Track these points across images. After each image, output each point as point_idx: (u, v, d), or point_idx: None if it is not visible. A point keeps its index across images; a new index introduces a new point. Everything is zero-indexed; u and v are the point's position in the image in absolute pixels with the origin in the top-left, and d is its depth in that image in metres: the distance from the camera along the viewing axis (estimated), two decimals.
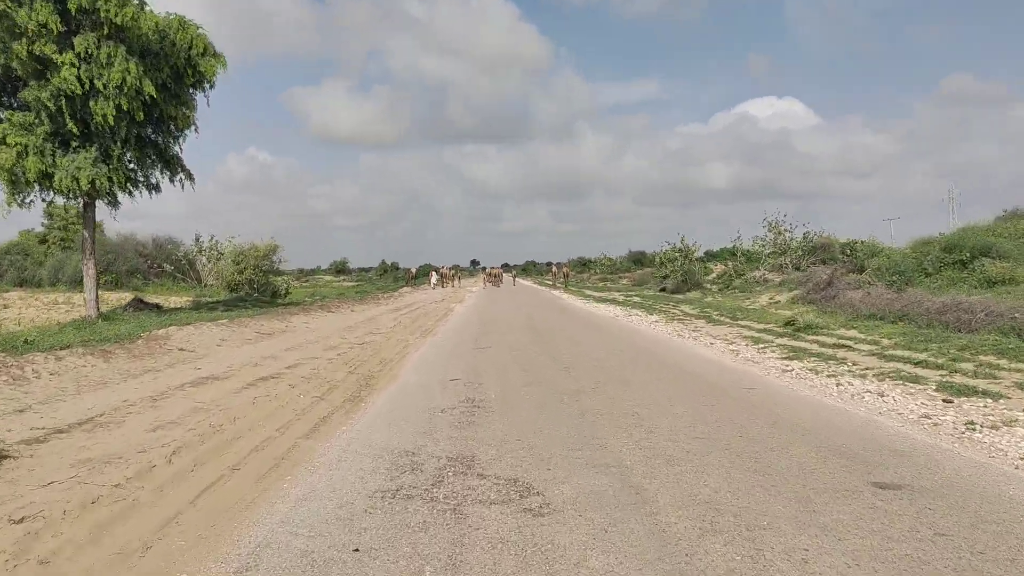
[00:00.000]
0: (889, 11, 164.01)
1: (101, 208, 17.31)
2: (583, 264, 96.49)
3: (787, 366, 10.78)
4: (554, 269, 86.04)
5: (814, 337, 14.35)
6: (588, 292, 42.60)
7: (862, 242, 24.18)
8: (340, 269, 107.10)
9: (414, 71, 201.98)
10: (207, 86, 17.81)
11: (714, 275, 40.52)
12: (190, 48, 16.99)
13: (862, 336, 14.03)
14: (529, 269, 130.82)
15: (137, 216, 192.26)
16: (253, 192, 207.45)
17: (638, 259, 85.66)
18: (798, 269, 36.61)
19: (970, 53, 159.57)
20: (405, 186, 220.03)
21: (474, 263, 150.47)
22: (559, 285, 62.28)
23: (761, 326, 16.93)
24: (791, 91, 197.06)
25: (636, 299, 31.86)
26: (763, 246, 39.43)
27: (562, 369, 10.89)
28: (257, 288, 32.86)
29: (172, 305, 22.70)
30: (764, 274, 36.01)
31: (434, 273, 60.53)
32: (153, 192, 17.87)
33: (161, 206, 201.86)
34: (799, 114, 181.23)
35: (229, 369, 10.77)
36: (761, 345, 13.52)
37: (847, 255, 24.26)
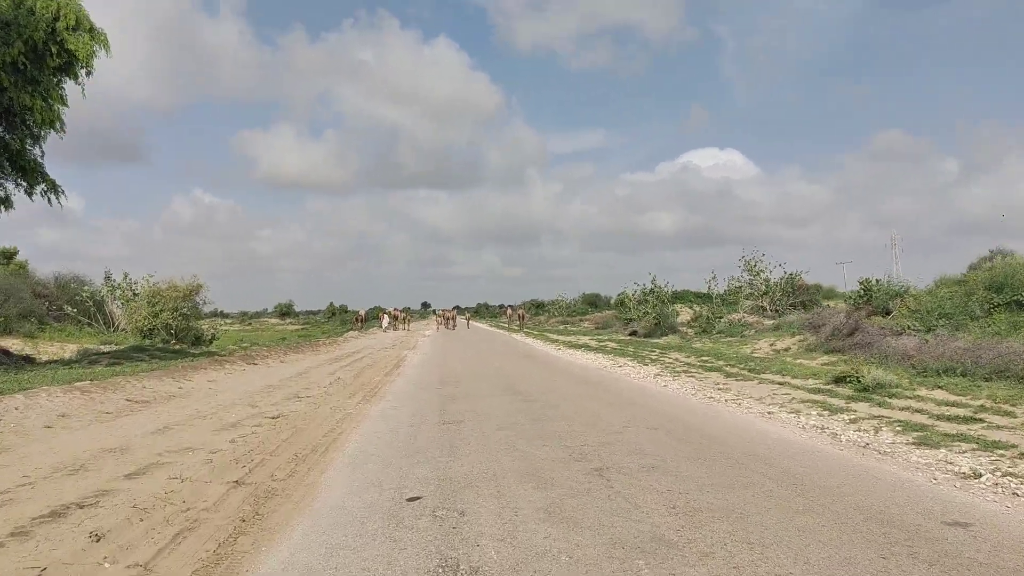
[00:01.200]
0: (819, 69, 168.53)
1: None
2: (537, 306, 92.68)
3: (946, 461, 6.63)
4: (508, 311, 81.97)
5: (901, 402, 10.32)
6: (551, 336, 38.38)
7: (876, 281, 20.58)
8: (285, 312, 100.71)
9: (364, 116, 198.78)
10: (82, 71, 13.18)
11: (687, 318, 36.85)
12: (55, 19, 12.42)
13: (970, 401, 10.07)
14: (481, 311, 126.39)
15: (70, 257, 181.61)
16: (198, 235, 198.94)
17: (592, 302, 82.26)
18: (777, 312, 33.25)
19: (899, 109, 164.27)
20: (353, 230, 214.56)
21: (425, 305, 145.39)
22: (515, 328, 58.03)
23: (804, 383, 12.88)
24: (732, 143, 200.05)
25: (611, 344, 27.75)
26: (739, 287, 36.08)
27: (592, 473, 6.49)
28: (176, 334, 27.65)
29: (49, 356, 17.58)
30: (743, 317, 32.48)
31: (385, 316, 55.60)
32: (2, 207, 13.01)
33: (101, 248, 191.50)
34: (740, 164, 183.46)
35: (6, 492, 6.04)
36: (846, 417, 9.38)
37: (863, 296, 20.59)
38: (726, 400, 11.35)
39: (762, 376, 14.70)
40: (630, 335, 35.89)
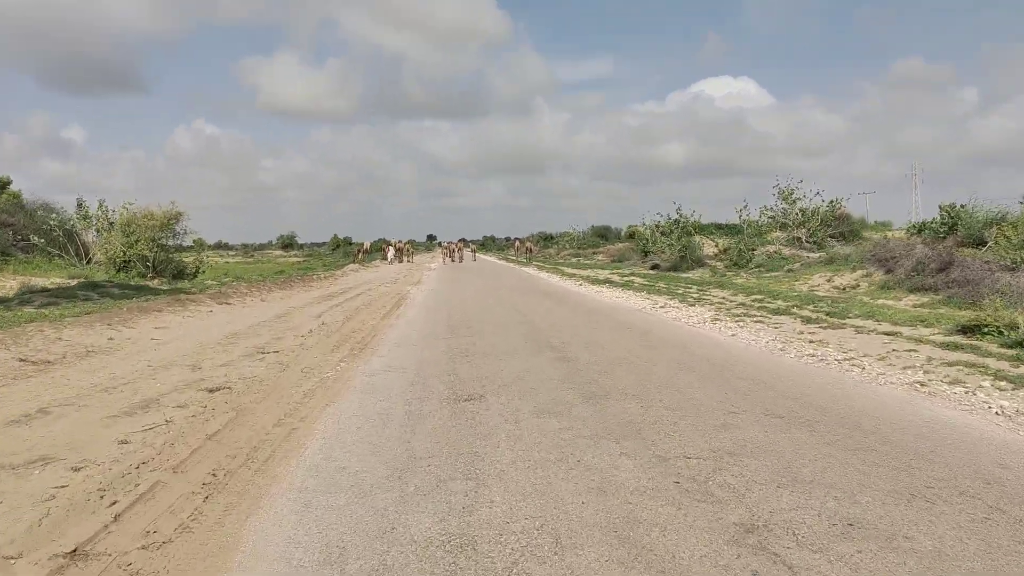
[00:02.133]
0: None
1: None
2: (545, 239, 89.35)
3: None
4: (517, 244, 78.68)
5: None
6: (567, 270, 35.21)
7: (962, 207, 17.19)
8: (287, 244, 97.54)
9: (368, 43, 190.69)
10: None
11: (711, 251, 33.54)
12: None
13: None
14: (488, 244, 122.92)
15: (75, 189, 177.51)
16: (202, 165, 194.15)
17: (603, 234, 78.79)
18: (817, 244, 29.99)
19: (918, 36, 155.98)
20: (358, 161, 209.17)
21: (431, 238, 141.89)
22: (523, 261, 54.85)
23: (920, 334, 9.74)
24: (746, 71, 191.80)
25: (637, 280, 24.58)
26: (773, 217, 32.66)
27: (742, 542, 3.39)
28: (154, 266, 24.59)
29: None
30: (779, 249, 29.22)
31: (390, 248, 52.36)
32: None
33: (110, 180, 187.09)
34: (753, 94, 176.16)
35: None
36: None
37: (945, 225, 17.25)
38: (839, 361, 8.23)
39: (850, 322, 11.59)
40: (652, 268, 32.71)
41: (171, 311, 12.59)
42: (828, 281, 19.18)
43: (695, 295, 17.76)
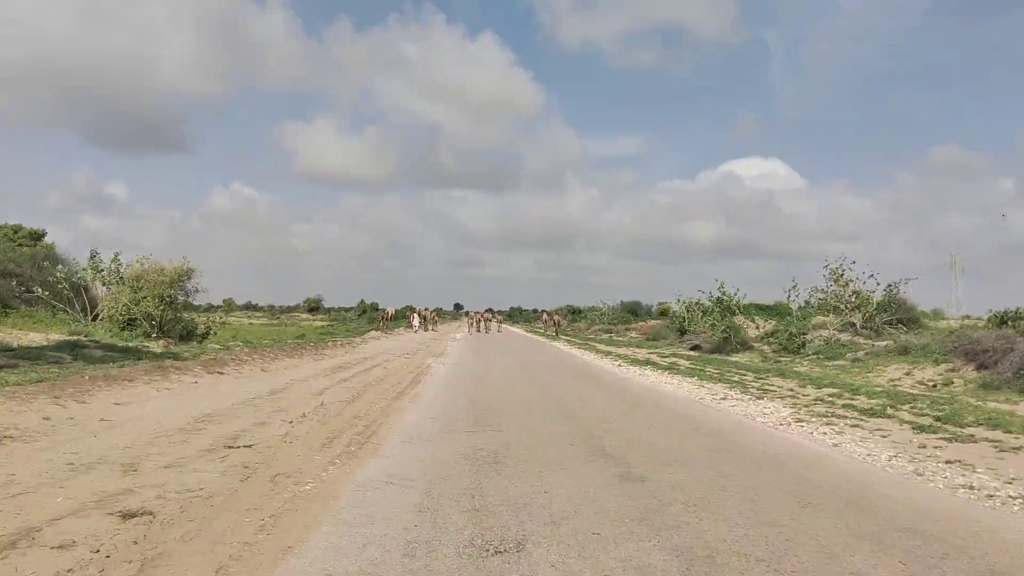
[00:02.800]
0: (871, 80, 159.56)
1: None
2: (573, 312, 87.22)
3: None
4: (545, 317, 76.55)
5: None
6: (599, 347, 32.83)
7: None
8: (314, 307, 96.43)
9: (405, 112, 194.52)
10: None
11: (756, 332, 31.04)
12: None
13: None
14: (515, 315, 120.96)
15: (112, 244, 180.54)
16: (236, 226, 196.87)
17: (633, 310, 76.55)
18: (875, 331, 27.43)
19: (955, 123, 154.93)
20: (388, 228, 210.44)
21: (457, 307, 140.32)
22: (549, 334, 52.60)
23: None
24: (776, 152, 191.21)
25: (682, 362, 22.16)
26: (824, 299, 30.18)
27: None
28: (160, 326, 22.79)
29: None
30: (833, 334, 26.68)
31: (415, 315, 50.47)
32: None
33: (141, 236, 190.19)
34: (783, 175, 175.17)
35: None
36: None
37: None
38: (1014, 499, 5.81)
39: (972, 431, 9.16)
40: (692, 349, 30.24)
41: (146, 381, 10.53)
42: (907, 375, 16.64)
43: (755, 385, 15.34)
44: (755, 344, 28.52)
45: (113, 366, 11.44)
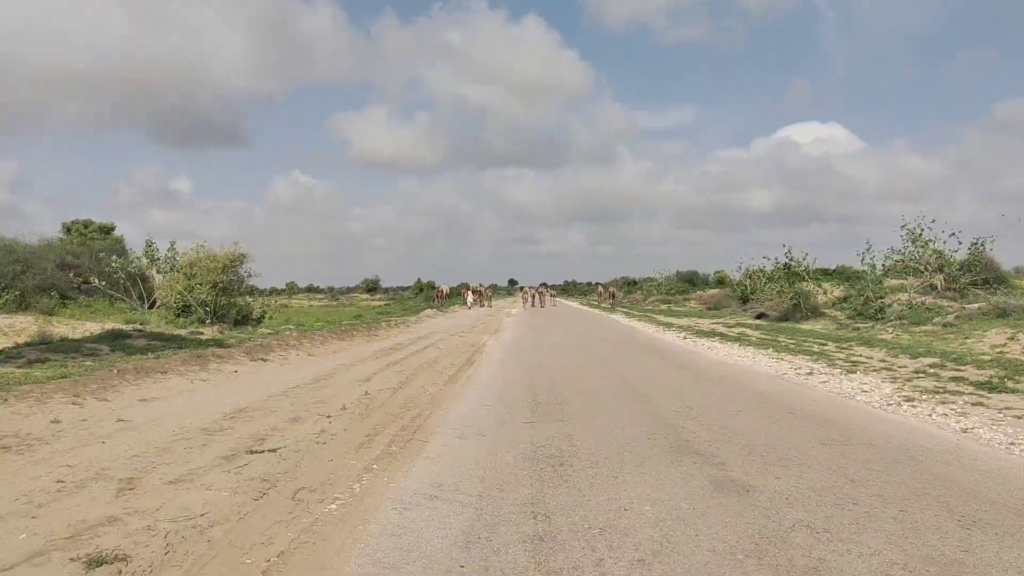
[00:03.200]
0: (931, 37, 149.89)
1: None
2: (628, 284, 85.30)
3: None
4: (600, 289, 74.95)
5: None
6: (659, 317, 31.24)
7: None
8: (372, 287, 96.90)
9: (454, 97, 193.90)
10: None
11: (825, 298, 28.92)
12: None
13: None
14: (569, 289, 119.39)
15: (180, 236, 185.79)
16: (296, 214, 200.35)
17: (690, 279, 74.18)
18: (959, 292, 25.14)
19: (1020, 77, 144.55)
20: (442, 209, 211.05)
21: (512, 282, 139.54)
22: (605, 306, 51.07)
23: None
24: (834, 116, 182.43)
25: (750, 332, 20.53)
26: (901, 260, 27.86)
27: None
28: (214, 312, 22.35)
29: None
30: (912, 298, 24.51)
31: (469, 292, 49.66)
32: None
33: (208, 228, 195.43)
34: (842, 139, 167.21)
35: None
36: None
37: None
38: None
39: None
40: (757, 318, 28.42)
41: (180, 372, 9.70)
42: (1011, 340, 14.73)
43: (840, 356, 13.73)
44: (826, 311, 26.57)
45: (150, 356, 10.69)
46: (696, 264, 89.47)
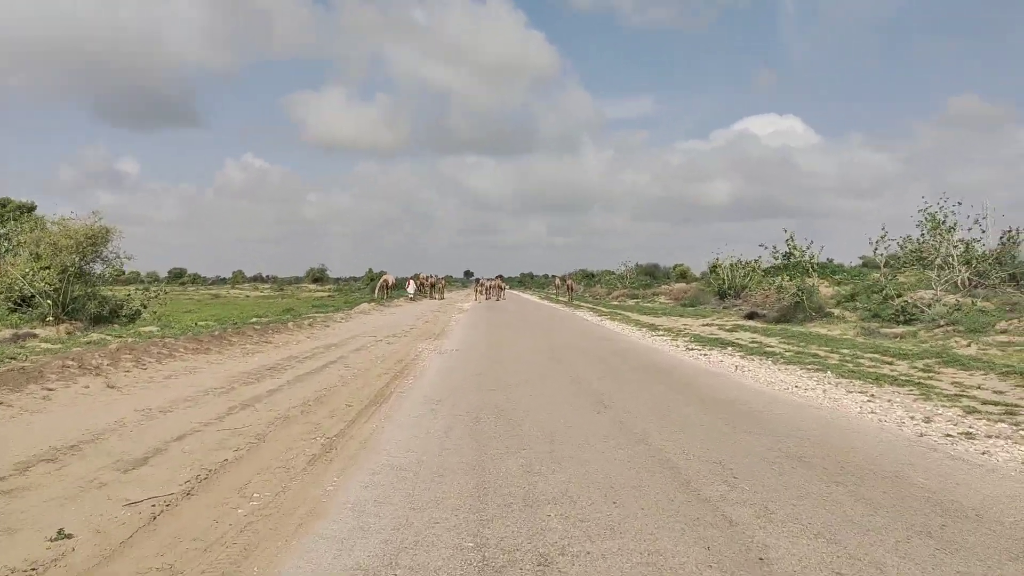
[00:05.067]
0: (891, 28, 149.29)
1: None
2: (587, 276, 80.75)
3: None
4: (557, 282, 70.06)
5: None
6: (632, 316, 26.20)
7: None
8: (318, 277, 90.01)
9: (416, 78, 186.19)
10: None
11: (829, 294, 24.32)
12: None
13: None
14: (526, 281, 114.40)
15: (125, 220, 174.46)
16: (248, 199, 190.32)
17: (651, 272, 69.93)
18: (993, 287, 20.81)
19: (974, 73, 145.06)
20: (401, 195, 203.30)
21: (468, 274, 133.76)
22: (563, 300, 46.16)
23: None
24: (792, 109, 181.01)
25: (770, 341, 15.57)
26: (918, 251, 23.41)
27: None
28: (64, 306, 16.37)
29: None
30: (937, 294, 20.03)
31: (411, 282, 43.93)
32: None
33: (156, 211, 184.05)
34: (800, 132, 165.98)
35: None
36: None
37: None
38: None
39: None
40: (748, 318, 23.64)
41: None
42: None
43: (933, 382, 8.84)
44: (833, 311, 21.94)
45: None
46: (655, 257, 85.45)
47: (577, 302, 42.38)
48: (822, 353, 12.77)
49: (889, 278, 22.88)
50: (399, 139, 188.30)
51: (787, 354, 12.72)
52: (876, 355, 12.36)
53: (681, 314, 26.51)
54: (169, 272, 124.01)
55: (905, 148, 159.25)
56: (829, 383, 9.41)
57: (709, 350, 13.73)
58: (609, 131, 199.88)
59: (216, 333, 12.46)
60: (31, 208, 62.64)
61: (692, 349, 13.92)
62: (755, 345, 14.37)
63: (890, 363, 11.42)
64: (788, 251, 23.10)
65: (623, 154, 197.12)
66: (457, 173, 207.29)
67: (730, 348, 13.98)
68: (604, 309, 32.21)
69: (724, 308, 29.44)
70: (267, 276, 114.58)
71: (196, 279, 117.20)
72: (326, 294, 62.93)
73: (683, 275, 69.62)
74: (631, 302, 38.31)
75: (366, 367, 10.88)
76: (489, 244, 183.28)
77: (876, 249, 23.76)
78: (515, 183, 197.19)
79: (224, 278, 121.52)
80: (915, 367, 10.84)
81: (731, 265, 31.41)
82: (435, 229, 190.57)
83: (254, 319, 20.15)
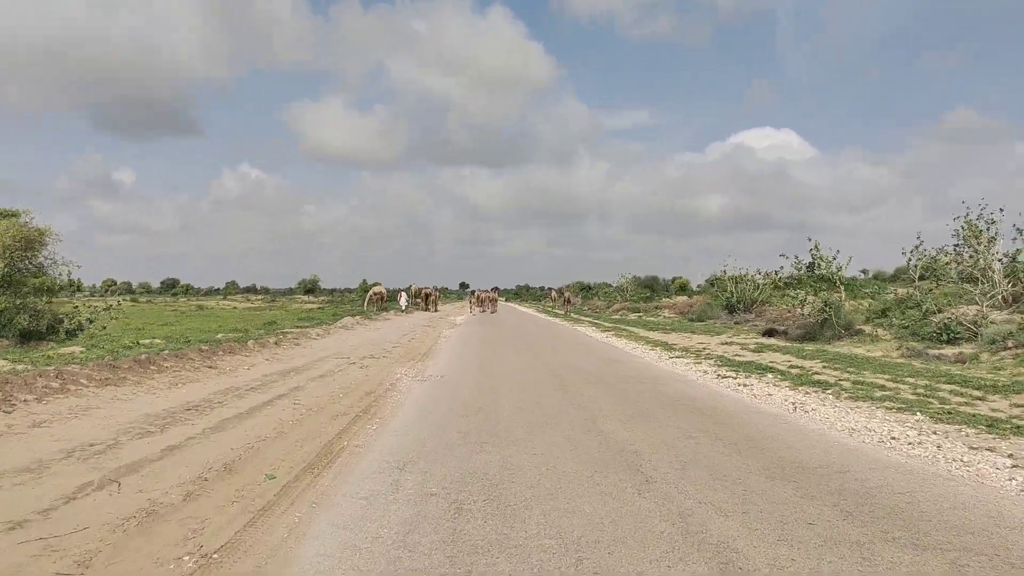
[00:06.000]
0: (889, 42, 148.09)
1: None
2: (583, 288, 78.42)
3: None
4: (554, 294, 67.79)
5: None
6: (639, 332, 23.71)
7: None
8: (309, 289, 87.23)
9: (415, 90, 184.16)
10: None
11: (863, 314, 21.83)
12: None
13: None
14: (522, 293, 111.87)
15: (121, 229, 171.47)
16: (244, 209, 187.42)
17: (650, 285, 67.65)
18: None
19: (970, 87, 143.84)
20: (397, 207, 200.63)
21: (463, 286, 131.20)
22: (560, 313, 43.76)
23: None
24: (788, 122, 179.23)
25: (822, 371, 13.08)
26: (957, 262, 21.04)
27: None
28: None
29: None
30: (982, 311, 17.65)
31: (403, 294, 41.46)
32: None
33: (151, 220, 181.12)
34: (796, 146, 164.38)
35: None
36: None
37: None
38: None
39: None
40: (766, 334, 21.21)
41: None
42: None
43: None
44: (864, 328, 19.50)
45: None
46: (650, 269, 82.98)
47: (576, 316, 39.91)
48: (885, 383, 10.31)
49: (925, 292, 20.51)
50: (396, 150, 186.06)
51: (844, 384, 10.25)
52: (954, 386, 9.91)
53: (692, 330, 24.04)
54: (162, 283, 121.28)
55: (902, 161, 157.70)
56: (931, 432, 6.95)
57: (745, 377, 11.24)
58: (606, 142, 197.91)
59: (143, 358, 9.90)
60: (13, 215, 59.53)
61: (725, 377, 11.42)
62: (798, 371, 11.89)
63: (981, 398, 8.97)
64: (812, 261, 20.66)
65: (619, 166, 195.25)
66: (454, 184, 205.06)
67: (770, 375, 11.50)
68: (606, 324, 29.71)
69: (736, 324, 27.01)
70: (260, 287, 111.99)
71: (188, 289, 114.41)
72: (316, 306, 60.33)
73: (682, 288, 67.31)
74: (633, 316, 35.82)
75: (322, 403, 8.36)
76: (486, 255, 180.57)
77: (910, 259, 21.38)
78: (512, 194, 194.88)
79: (217, 289, 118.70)
80: (1017, 403, 8.43)
81: (736, 278, 28.96)
82: (431, 240, 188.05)
83: (220, 335, 17.61)
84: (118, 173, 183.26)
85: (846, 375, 11.28)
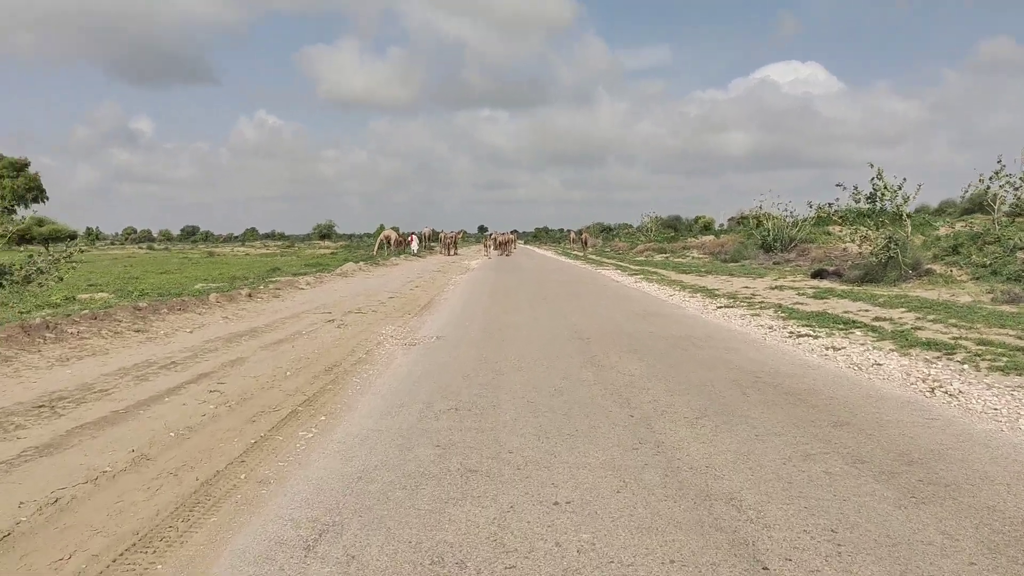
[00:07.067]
0: None
1: None
2: (604, 230, 75.27)
3: None
4: (573, 236, 64.68)
5: None
6: (668, 274, 20.86)
7: None
8: (325, 234, 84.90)
9: (431, 31, 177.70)
10: None
11: (931, 251, 18.65)
12: None
13: None
14: (541, 236, 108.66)
15: (142, 179, 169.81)
16: (263, 156, 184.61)
17: (673, 225, 64.20)
18: None
19: (1007, 14, 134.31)
20: (414, 152, 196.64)
21: (482, 229, 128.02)
22: (579, 254, 40.99)
23: None
24: (815, 56, 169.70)
25: (869, 313, 10.26)
26: None
27: None
28: None
29: None
30: None
31: (414, 237, 38.79)
32: None
33: (170, 170, 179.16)
34: (822, 80, 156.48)
35: None
36: None
37: None
38: None
39: None
40: (816, 276, 18.26)
41: None
42: None
43: None
44: (933, 267, 16.48)
45: None
46: (671, 209, 79.43)
47: (599, 258, 37.04)
48: (1015, 341, 7.50)
49: (1004, 224, 17.41)
50: (413, 94, 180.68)
51: (965, 345, 7.47)
52: None
53: (729, 272, 21.14)
54: (182, 230, 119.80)
55: (933, 95, 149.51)
56: None
57: (828, 336, 8.47)
58: (625, 82, 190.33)
59: (36, 322, 7.38)
60: (24, 165, 57.06)
61: (801, 336, 8.65)
62: (890, 326, 9.08)
63: None
64: (872, 192, 17.47)
65: (639, 105, 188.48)
66: (471, 128, 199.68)
67: (857, 331, 8.73)
68: (632, 267, 26.87)
69: (776, 264, 24.07)
70: (278, 234, 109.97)
71: (208, 237, 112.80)
72: (330, 251, 58.07)
73: (707, 227, 63.73)
74: (659, 257, 32.87)
75: (253, 390, 5.81)
76: (504, 199, 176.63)
77: (988, 187, 18.13)
78: (530, 137, 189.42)
79: (236, 235, 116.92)
80: None
81: (770, 216, 25.77)
82: (449, 185, 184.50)
83: (199, 285, 15.18)
84: (136, 123, 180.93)
85: (959, 332, 8.47)
